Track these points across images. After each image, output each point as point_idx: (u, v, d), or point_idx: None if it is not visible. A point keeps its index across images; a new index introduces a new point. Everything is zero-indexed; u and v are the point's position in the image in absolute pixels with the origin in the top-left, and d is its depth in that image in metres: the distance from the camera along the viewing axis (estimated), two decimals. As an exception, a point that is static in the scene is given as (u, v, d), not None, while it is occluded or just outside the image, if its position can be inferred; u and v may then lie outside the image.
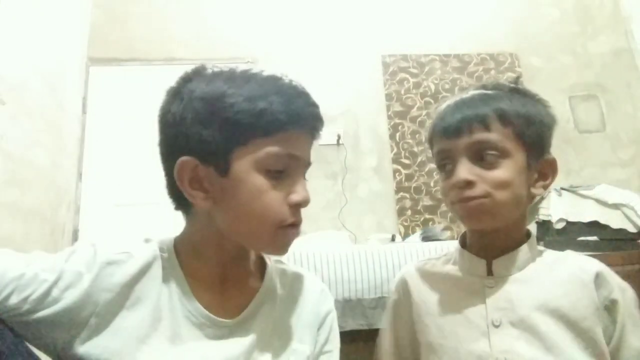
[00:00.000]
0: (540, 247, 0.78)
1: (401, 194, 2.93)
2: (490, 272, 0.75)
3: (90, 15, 3.05)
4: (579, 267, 0.73)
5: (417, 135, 3.02)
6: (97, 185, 2.80)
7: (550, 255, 0.77)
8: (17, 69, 2.15)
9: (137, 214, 2.67)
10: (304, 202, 0.62)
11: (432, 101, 3.10)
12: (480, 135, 0.71)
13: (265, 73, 0.62)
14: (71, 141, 2.74)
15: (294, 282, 0.74)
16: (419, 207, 2.91)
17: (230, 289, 0.66)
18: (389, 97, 3.09)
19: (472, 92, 0.77)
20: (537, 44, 3.29)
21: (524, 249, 0.75)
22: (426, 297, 0.79)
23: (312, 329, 0.70)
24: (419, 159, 2.97)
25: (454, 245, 0.83)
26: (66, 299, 0.55)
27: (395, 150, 3.00)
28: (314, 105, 0.63)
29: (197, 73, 0.63)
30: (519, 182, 0.71)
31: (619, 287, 0.71)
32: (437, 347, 0.74)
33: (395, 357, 0.82)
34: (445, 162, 0.76)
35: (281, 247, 0.64)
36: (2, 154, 2.01)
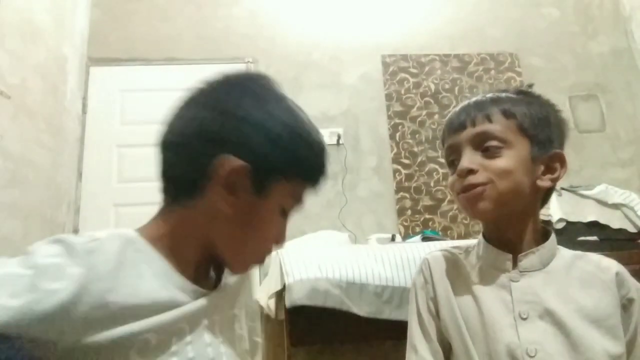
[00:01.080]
0: (557, 246, 0.80)
1: (401, 194, 2.93)
2: (514, 267, 0.76)
3: (90, 15, 3.05)
4: (598, 266, 0.75)
5: (417, 135, 3.01)
6: (97, 185, 2.80)
7: (566, 252, 0.79)
8: (17, 68, 2.16)
9: (137, 214, 2.65)
10: (282, 245, 0.68)
11: (432, 101, 3.10)
12: (483, 127, 0.75)
13: (296, 107, 0.65)
14: (71, 141, 2.74)
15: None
16: (419, 207, 2.91)
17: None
18: (389, 97, 3.09)
19: (479, 95, 0.81)
20: (537, 44, 3.29)
21: (548, 244, 0.76)
22: (453, 287, 0.80)
23: (246, 317, 0.75)
24: (419, 159, 2.96)
25: (475, 240, 0.85)
26: (59, 294, 0.51)
27: (395, 150, 2.99)
28: None
29: (271, 88, 0.64)
30: (521, 172, 0.73)
31: (635, 287, 0.74)
32: (466, 338, 0.75)
33: (430, 331, 0.81)
34: (453, 158, 0.79)
35: (244, 271, 0.69)
36: (2, 154, 2.01)
